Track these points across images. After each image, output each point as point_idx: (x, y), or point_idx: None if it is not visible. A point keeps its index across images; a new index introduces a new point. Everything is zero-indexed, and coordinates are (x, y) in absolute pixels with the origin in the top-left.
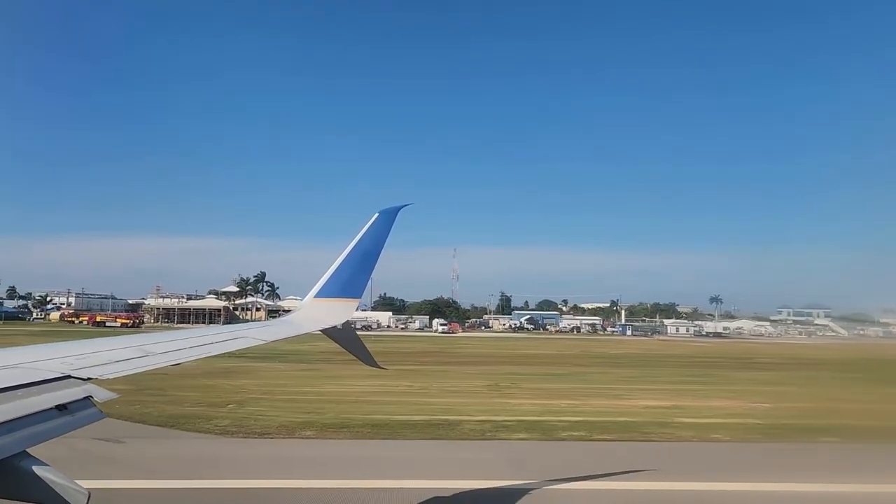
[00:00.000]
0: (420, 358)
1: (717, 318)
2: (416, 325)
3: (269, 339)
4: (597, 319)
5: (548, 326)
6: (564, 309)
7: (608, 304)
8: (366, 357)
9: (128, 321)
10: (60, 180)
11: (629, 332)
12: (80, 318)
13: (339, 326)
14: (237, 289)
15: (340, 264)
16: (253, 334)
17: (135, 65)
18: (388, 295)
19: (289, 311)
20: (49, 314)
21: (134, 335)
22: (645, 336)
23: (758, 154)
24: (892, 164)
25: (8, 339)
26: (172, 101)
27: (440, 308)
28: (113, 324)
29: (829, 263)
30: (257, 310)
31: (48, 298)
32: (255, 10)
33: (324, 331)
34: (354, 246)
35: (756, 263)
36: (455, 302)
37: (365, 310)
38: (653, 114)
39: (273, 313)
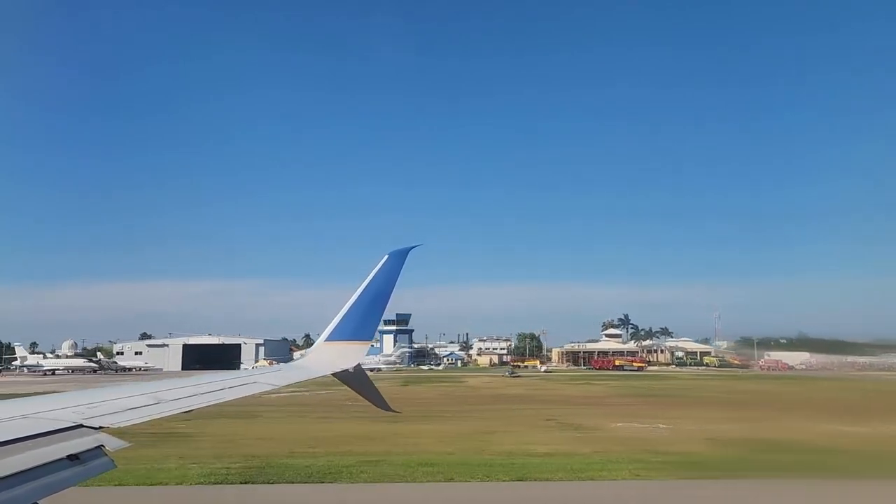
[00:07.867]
0: None
1: None
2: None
3: (281, 383)
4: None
5: None
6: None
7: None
8: (378, 401)
9: (643, 364)
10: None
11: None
12: (526, 363)
13: (351, 370)
14: (616, 332)
15: (351, 307)
16: (264, 380)
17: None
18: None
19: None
20: (477, 358)
21: (147, 383)
22: None
23: None
24: None
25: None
26: None
27: None
28: (631, 367)
29: None
30: (661, 351)
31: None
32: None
33: (335, 374)
34: (365, 288)
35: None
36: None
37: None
38: None
39: (679, 359)
